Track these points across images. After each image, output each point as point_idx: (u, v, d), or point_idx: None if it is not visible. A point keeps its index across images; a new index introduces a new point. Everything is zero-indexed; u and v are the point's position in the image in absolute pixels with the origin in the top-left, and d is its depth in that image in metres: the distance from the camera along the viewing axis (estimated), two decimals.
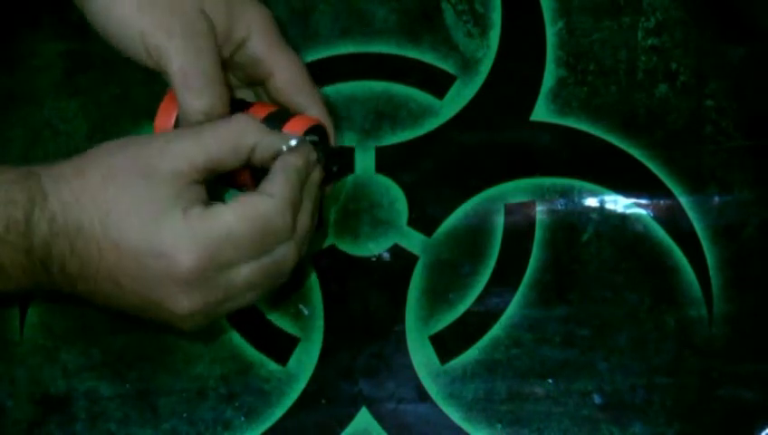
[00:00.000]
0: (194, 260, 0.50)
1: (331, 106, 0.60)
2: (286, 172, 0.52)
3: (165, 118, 0.55)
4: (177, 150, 0.51)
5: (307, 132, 0.55)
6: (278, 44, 0.57)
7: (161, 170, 0.50)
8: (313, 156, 0.54)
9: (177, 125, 0.55)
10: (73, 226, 0.50)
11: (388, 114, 0.63)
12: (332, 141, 0.58)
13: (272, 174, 0.52)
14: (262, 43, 0.57)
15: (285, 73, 0.57)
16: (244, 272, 0.51)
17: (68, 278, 0.51)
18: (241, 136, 0.52)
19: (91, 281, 0.51)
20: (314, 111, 0.57)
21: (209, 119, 0.54)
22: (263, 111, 0.56)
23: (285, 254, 0.52)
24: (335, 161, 0.57)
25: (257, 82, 0.58)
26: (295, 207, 0.52)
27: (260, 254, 0.52)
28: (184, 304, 0.51)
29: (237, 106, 0.56)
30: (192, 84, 0.54)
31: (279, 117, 0.56)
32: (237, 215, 0.51)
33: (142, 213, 0.50)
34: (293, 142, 0.54)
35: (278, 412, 0.59)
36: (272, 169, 0.53)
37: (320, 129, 0.56)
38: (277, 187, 0.52)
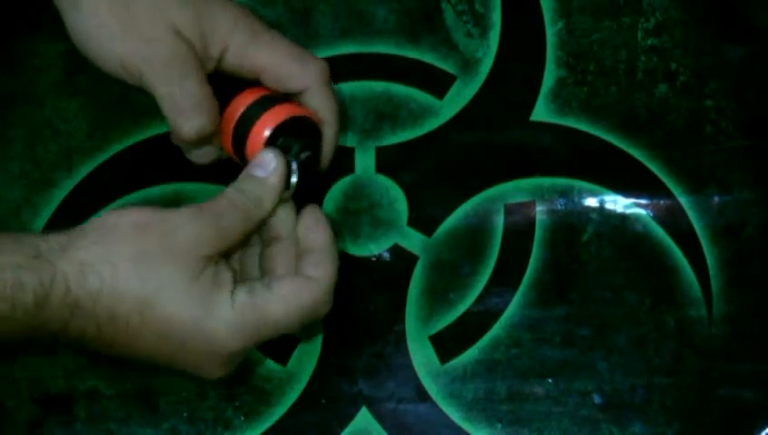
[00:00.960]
0: (240, 347, 0.52)
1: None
2: (329, 252, 0.54)
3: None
4: (202, 233, 0.51)
5: (280, 127, 0.55)
6: (259, 43, 0.56)
7: (196, 256, 0.51)
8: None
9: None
10: (105, 313, 0.50)
11: (388, 114, 0.63)
12: (333, 122, 0.57)
13: (313, 254, 0.54)
14: (241, 50, 0.56)
15: (273, 69, 0.57)
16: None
17: (84, 344, 0.51)
18: (254, 217, 0.54)
19: (114, 349, 0.51)
20: (314, 93, 0.57)
21: (201, 136, 0.55)
22: (251, 97, 0.56)
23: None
24: (308, 154, 0.56)
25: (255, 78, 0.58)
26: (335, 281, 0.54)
27: None
28: (219, 373, 0.53)
29: (228, 89, 0.56)
30: (181, 109, 0.54)
31: (264, 104, 0.56)
32: (286, 308, 0.52)
33: (188, 302, 0.50)
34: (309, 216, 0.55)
35: (278, 412, 0.59)
36: (310, 248, 0.54)
37: (302, 119, 0.56)
38: (321, 271, 0.53)
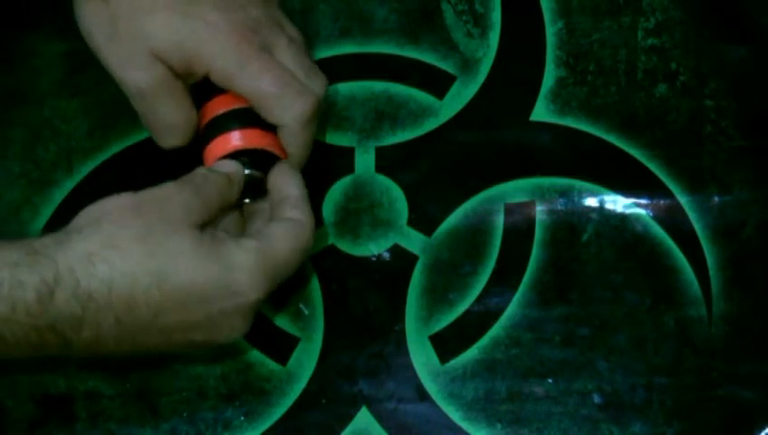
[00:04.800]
0: (264, 291, 0.52)
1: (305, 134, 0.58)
2: (303, 197, 0.55)
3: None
4: (188, 203, 0.52)
5: (237, 153, 0.56)
6: (243, 73, 0.54)
7: (190, 224, 0.51)
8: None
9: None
10: (122, 300, 0.49)
11: (388, 114, 0.63)
12: (296, 161, 0.58)
13: (289, 199, 0.55)
14: (226, 76, 0.55)
15: (254, 101, 0.55)
16: None
17: (98, 345, 0.50)
18: (225, 196, 0.54)
19: (132, 341, 0.51)
20: (289, 132, 0.56)
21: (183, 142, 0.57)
22: (223, 106, 0.56)
23: None
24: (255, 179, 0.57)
25: None
26: None
27: None
28: (242, 328, 0.53)
29: (203, 94, 0.56)
30: (154, 129, 0.56)
31: (231, 121, 0.56)
32: (289, 244, 0.53)
33: (203, 263, 0.50)
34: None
35: (278, 412, 0.59)
36: (285, 196, 0.55)
37: (261, 153, 0.56)
38: (300, 212, 0.55)
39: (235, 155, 0.56)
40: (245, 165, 0.56)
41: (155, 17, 0.53)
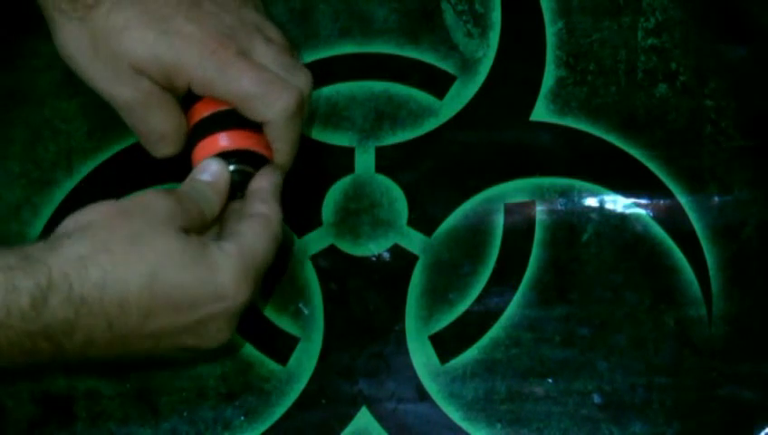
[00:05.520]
0: (248, 294, 0.52)
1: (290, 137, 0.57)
2: (272, 187, 0.55)
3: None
4: (172, 208, 0.52)
5: (225, 154, 0.56)
6: (225, 78, 0.54)
7: (177, 227, 0.51)
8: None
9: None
10: (114, 304, 0.49)
11: (388, 114, 0.63)
12: (284, 157, 0.57)
13: (259, 194, 0.55)
14: (207, 83, 0.55)
15: (237, 102, 0.55)
16: None
17: (90, 348, 0.51)
18: (207, 212, 0.54)
19: (123, 345, 0.51)
20: (274, 128, 0.56)
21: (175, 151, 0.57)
22: (209, 109, 0.56)
23: None
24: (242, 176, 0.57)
25: None
26: None
27: None
28: (227, 333, 0.53)
29: (189, 98, 0.56)
30: (145, 140, 0.57)
31: (216, 123, 0.56)
32: (265, 241, 0.53)
33: (190, 266, 0.50)
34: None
35: (278, 412, 0.59)
36: (256, 187, 0.56)
37: (247, 153, 0.56)
38: (268, 207, 0.55)
39: (222, 157, 0.56)
40: (232, 164, 0.55)
41: (131, 34, 0.54)
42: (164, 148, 0.57)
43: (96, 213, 0.51)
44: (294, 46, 0.60)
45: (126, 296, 0.49)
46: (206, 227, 0.55)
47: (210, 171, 0.55)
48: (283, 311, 0.61)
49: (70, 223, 0.51)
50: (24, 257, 0.48)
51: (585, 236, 0.60)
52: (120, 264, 0.49)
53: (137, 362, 0.60)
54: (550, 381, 0.58)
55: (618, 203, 0.61)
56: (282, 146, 0.57)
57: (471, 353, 0.59)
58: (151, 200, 0.51)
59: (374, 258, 0.61)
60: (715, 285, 0.59)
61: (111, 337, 0.50)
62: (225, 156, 0.55)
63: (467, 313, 0.60)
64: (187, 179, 0.55)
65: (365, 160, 0.63)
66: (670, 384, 0.58)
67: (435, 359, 0.59)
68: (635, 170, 0.61)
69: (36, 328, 0.48)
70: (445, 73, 0.64)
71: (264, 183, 0.56)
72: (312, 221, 0.62)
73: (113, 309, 0.49)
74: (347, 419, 0.58)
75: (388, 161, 0.62)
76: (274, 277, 0.60)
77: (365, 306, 0.60)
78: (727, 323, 0.58)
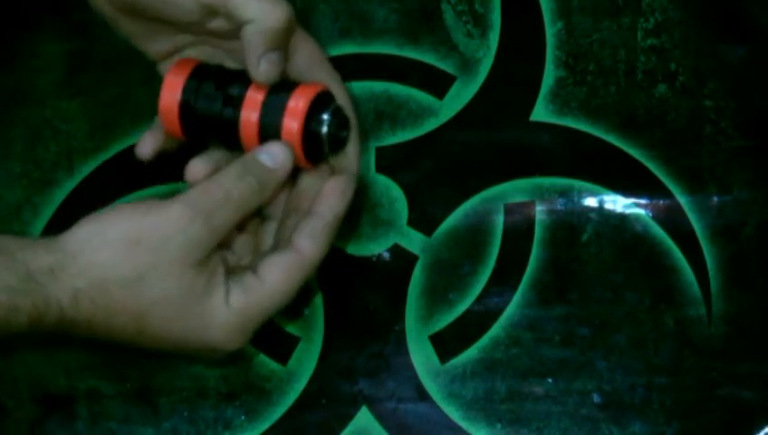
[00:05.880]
0: (241, 344, 0.52)
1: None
2: (332, 225, 0.53)
3: (170, 93, 0.54)
4: (195, 240, 0.50)
5: (315, 102, 0.53)
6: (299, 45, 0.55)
7: (190, 264, 0.50)
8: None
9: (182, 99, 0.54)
10: (102, 329, 0.50)
11: (388, 114, 0.63)
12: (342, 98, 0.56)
13: (314, 219, 0.53)
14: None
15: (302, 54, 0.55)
16: None
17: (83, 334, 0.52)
18: (250, 205, 0.52)
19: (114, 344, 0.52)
20: (335, 89, 0.55)
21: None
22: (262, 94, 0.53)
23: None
24: (343, 125, 0.55)
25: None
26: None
27: None
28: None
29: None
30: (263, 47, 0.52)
31: (283, 88, 0.53)
32: (280, 294, 0.52)
33: (184, 316, 0.50)
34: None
35: (278, 412, 0.59)
36: (316, 212, 0.53)
37: (326, 94, 0.54)
38: (315, 246, 0.53)
39: (320, 100, 0.53)
40: (328, 113, 0.53)
41: None
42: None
43: (110, 235, 0.49)
44: None
45: (112, 330, 0.50)
46: (248, 221, 0.54)
47: (273, 155, 0.52)
48: (284, 311, 0.60)
49: (81, 234, 0.50)
50: (26, 278, 0.48)
51: (585, 236, 0.60)
52: (113, 303, 0.49)
53: (138, 362, 0.60)
54: (550, 380, 0.58)
55: (617, 203, 0.61)
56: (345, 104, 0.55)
57: (471, 353, 0.59)
58: (174, 231, 0.49)
59: (374, 258, 0.61)
60: (714, 285, 0.59)
61: (102, 339, 0.52)
62: (324, 100, 0.53)
63: (467, 312, 0.60)
64: (242, 163, 0.52)
65: (365, 160, 0.63)
66: (670, 384, 0.58)
67: (435, 359, 0.59)
68: (635, 170, 0.61)
69: (30, 335, 0.50)
70: (445, 73, 0.64)
71: (333, 201, 0.53)
72: None
73: (101, 334, 0.51)
74: (347, 418, 0.58)
75: (388, 161, 0.63)
76: None
77: (365, 306, 0.60)
78: (727, 323, 0.58)
